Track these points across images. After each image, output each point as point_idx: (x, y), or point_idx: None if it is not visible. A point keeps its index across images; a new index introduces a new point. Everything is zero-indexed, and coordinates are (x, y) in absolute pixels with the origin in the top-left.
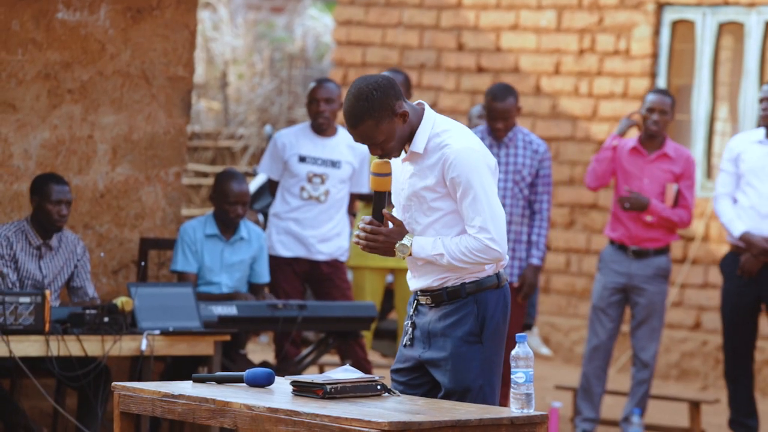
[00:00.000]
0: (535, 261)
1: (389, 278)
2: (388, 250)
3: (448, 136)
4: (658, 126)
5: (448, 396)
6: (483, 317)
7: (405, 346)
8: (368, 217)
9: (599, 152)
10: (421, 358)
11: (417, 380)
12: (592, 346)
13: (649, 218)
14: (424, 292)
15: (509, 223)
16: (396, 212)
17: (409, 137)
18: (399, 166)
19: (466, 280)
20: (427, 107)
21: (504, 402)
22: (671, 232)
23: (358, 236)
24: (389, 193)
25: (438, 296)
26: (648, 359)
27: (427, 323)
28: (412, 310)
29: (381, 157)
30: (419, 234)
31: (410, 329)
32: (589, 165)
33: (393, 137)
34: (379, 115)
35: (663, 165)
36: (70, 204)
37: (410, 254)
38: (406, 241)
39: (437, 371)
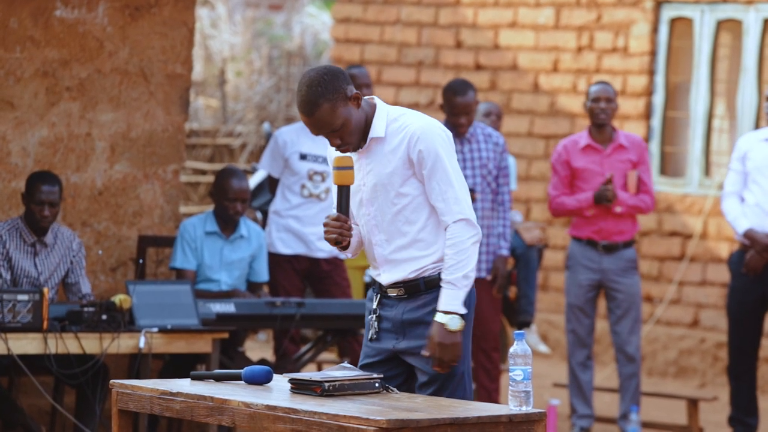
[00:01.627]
0: (504, 252)
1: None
2: None
3: (405, 119)
4: (607, 114)
5: (429, 383)
6: None
7: (371, 340)
8: (335, 213)
9: (577, 205)
10: (396, 349)
11: (391, 371)
12: (572, 343)
13: (618, 209)
14: (396, 284)
15: (481, 218)
16: (355, 211)
17: (365, 130)
18: (355, 164)
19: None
20: (377, 99)
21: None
22: (635, 222)
23: (327, 232)
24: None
25: (414, 287)
26: (633, 352)
27: (400, 314)
28: (375, 304)
29: (340, 147)
30: (388, 224)
31: (375, 323)
32: (558, 198)
33: (350, 122)
34: (333, 97)
35: (621, 156)
36: (56, 205)
37: (460, 318)
38: (443, 318)
39: (418, 359)
